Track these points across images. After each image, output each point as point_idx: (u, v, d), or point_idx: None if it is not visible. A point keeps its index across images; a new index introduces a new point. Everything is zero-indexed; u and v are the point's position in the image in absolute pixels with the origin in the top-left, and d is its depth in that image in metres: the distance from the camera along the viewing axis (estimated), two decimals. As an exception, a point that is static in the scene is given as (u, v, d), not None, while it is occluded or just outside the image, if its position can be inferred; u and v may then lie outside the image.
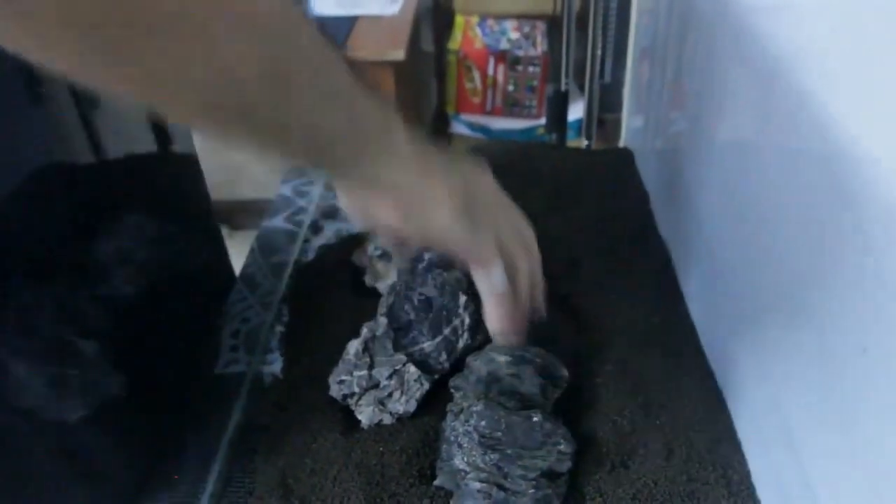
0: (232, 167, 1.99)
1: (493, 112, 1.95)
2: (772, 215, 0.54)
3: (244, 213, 2.04)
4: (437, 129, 2.01)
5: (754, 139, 0.58)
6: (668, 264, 0.79)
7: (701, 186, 0.73)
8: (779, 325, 0.53)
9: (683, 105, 0.81)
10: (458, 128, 1.99)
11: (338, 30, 1.57)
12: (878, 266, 0.38)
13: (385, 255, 0.76)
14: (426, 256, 0.72)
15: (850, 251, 0.41)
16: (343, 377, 0.63)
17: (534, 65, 1.87)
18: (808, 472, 0.47)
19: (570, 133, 1.55)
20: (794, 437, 0.49)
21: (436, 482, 0.55)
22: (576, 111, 1.56)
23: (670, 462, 0.55)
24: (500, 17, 1.98)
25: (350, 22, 1.62)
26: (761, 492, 0.53)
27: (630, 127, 1.12)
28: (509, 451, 0.52)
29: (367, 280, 0.77)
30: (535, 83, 1.89)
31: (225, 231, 2.05)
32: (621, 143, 1.15)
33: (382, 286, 0.74)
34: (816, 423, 0.46)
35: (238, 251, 2.00)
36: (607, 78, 1.14)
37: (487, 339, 0.65)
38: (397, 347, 0.63)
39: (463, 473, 0.52)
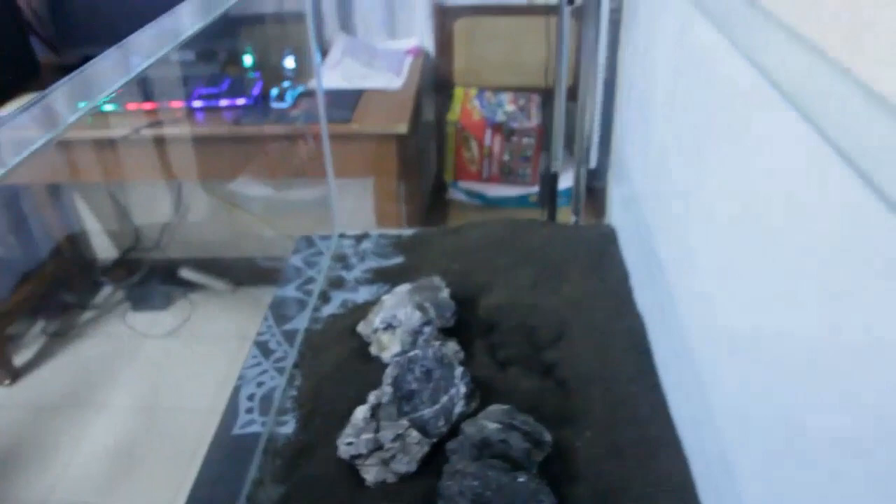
0: (236, 227, 2.08)
1: (489, 180, 2.05)
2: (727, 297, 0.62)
3: (247, 271, 2.12)
4: (437, 195, 2.10)
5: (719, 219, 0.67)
6: (644, 338, 0.87)
7: (671, 266, 0.82)
8: (734, 392, 0.61)
9: (662, 190, 0.89)
10: (456, 194, 2.09)
11: (344, 103, 1.67)
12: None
13: (389, 328, 0.84)
14: (426, 330, 0.81)
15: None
16: (351, 439, 0.70)
17: (528, 136, 1.98)
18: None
19: (563, 200, 1.65)
20: (737, 491, 0.57)
21: (433, 536, 0.62)
22: (567, 180, 1.66)
23: (640, 521, 0.63)
24: (497, 90, 2.10)
25: (356, 95, 1.73)
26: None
27: (614, 204, 1.21)
28: (498, 509, 0.60)
29: (373, 350, 0.85)
30: (530, 153, 2.00)
31: (229, 288, 2.14)
32: (607, 219, 1.24)
33: (386, 356, 0.82)
34: (755, 475, 0.54)
35: (240, 306, 2.09)
36: (593, 164, 1.24)
37: (481, 405, 0.73)
38: (401, 413, 0.70)
39: (457, 528, 0.60)
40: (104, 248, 2.16)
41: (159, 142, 1.66)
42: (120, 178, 1.89)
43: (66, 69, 0.55)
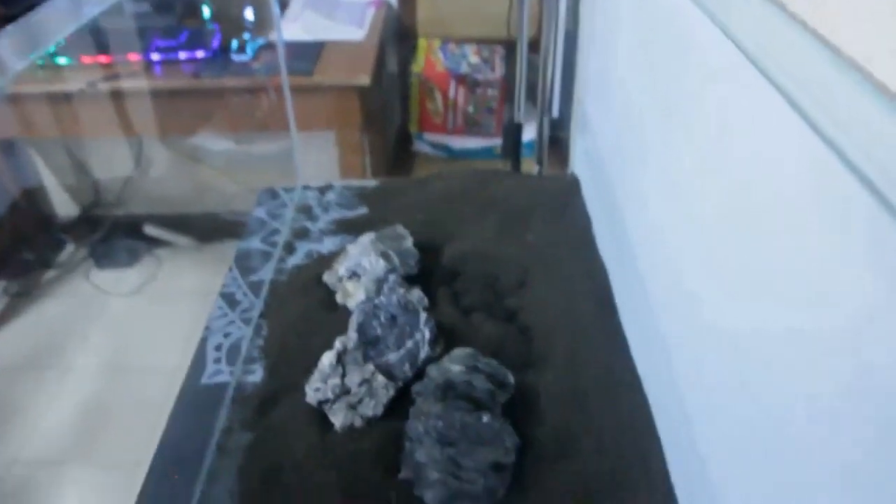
0: (200, 182, 2.05)
1: (454, 132, 2.05)
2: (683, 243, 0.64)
3: (212, 226, 2.10)
4: (402, 147, 2.10)
5: (679, 174, 0.68)
6: (605, 284, 0.89)
7: (633, 214, 0.83)
8: (687, 333, 0.63)
9: (623, 140, 0.91)
10: (421, 146, 2.08)
11: (305, 55, 1.65)
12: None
13: (353, 277, 0.84)
14: (391, 278, 0.81)
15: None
16: (318, 385, 0.71)
17: (492, 88, 1.97)
18: (707, 462, 0.57)
19: (526, 152, 1.65)
20: (693, 427, 0.59)
21: (401, 475, 0.64)
22: (531, 132, 1.66)
23: (600, 456, 0.65)
24: (461, 42, 2.08)
25: (317, 48, 1.70)
26: (675, 478, 0.63)
27: (577, 154, 1.22)
28: (463, 447, 0.62)
29: (338, 298, 0.85)
30: (494, 105, 2.00)
31: (194, 244, 2.12)
32: (570, 169, 1.25)
33: (352, 303, 0.83)
34: (711, 424, 0.56)
35: (206, 263, 2.07)
36: (555, 114, 1.24)
37: (445, 350, 0.74)
38: (366, 359, 0.71)
39: (424, 466, 0.61)
40: (64, 206, 2.12)
41: (117, 96, 1.62)
42: (78, 133, 1.85)
43: (12, 19, 0.53)
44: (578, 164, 1.20)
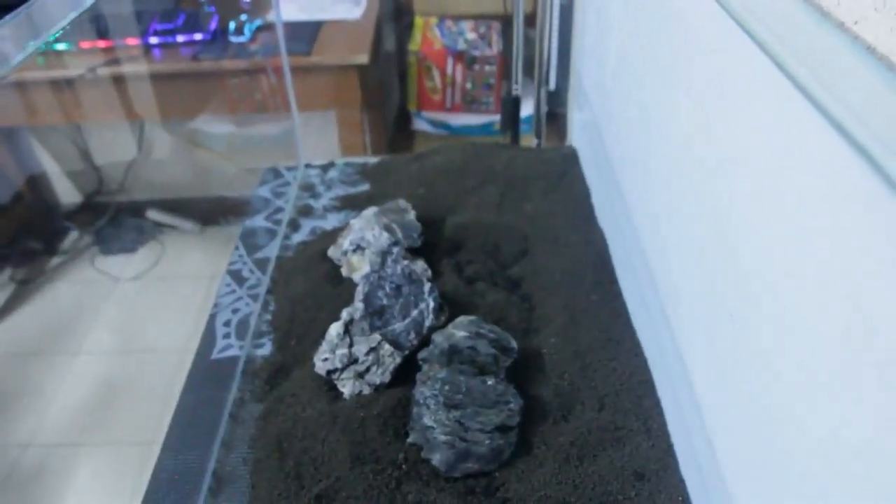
0: (201, 165, 2.06)
1: (452, 109, 2.05)
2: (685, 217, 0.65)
3: (214, 209, 2.12)
4: (401, 126, 2.10)
5: (676, 148, 0.69)
6: (605, 251, 0.90)
7: (630, 183, 0.84)
8: (685, 302, 0.64)
9: (620, 111, 0.92)
10: (420, 124, 2.09)
11: (303, 35, 1.65)
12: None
13: (358, 250, 0.86)
14: (394, 251, 0.83)
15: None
16: (326, 355, 0.73)
17: (490, 64, 1.98)
18: (705, 413, 0.59)
19: (525, 127, 1.66)
20: (695, 388, 0.61)
21: (409, 439, 0.66)
22: (529, 107, 1.67)
23: (602, 415, 0.67)
24: (458, 18, 2.09)
25: (314, 27, 1.71)
26: (674, 436, 0.65)
27: (575, 126, 1.23)
28: (468, 410, 0.64)
29: (343, 272, 0.87)
30: (492, 81, 2.00)
31: (197, 227, 2.13)
32: (568, 142, 1.26)
33: (357, 276, 0.85)
34: (708, 377, 0.58)
35: (210, 246, 2.09)
36: (552, 86, 1.25)
37: (449, 319, 0.76)
38: (373, 328, 0.73)
39: (431, 430, 0.63)
40: (67, 193, 2.14)
41: (117, 80, 1.63)
42: (78, 119, 1.86)
43: (9, 8, 0.54)
44: (576, 136, 1.21)
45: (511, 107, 1.31)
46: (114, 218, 2.11)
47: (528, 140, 1.48)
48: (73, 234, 2.13)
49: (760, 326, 0.48)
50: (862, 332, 0.35)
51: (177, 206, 2.15)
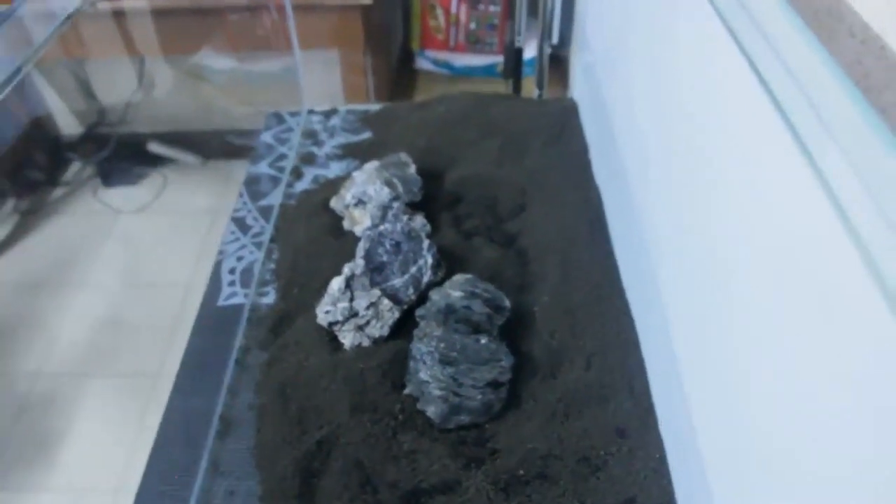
0: (203, 101, 2.06)
1: (455, 49, 2.04)
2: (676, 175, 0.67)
3: (216, 143, 2.12)
4: (404, 65, 2.10)
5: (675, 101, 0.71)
6: (599, 208, 0.93)
7: (626, 140, 0.86)
8: (668, 261, 0.67)
9: (618, 64, 0.92)
10: (424, 64, 2.08)
11: (306, -28, 1.64)
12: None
13: (360, 204, 0.88)
14: (395, 205, 0.85)
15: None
16: (328, 308, 0.76)
17: (494, 3, 1.96)
18: (682, 373, 0.62)
19: (528, 69, 1.66)
20: (673, 349, 0.64)
21: (405, 391, 0.70)
22: (532, 50, 1.66)
23: (588, 373, 0.71)
24: (463, -45, 2.06)
25: (318, -37, 1.69)
26: (655, 396, 0.69)
27: (576, 78, 1.23)
28: (462, 367, 0.67)
29: (345, 225, 0.90)
30: (496, 21, 1.98)
31: (198, 161, 2.15)
32: (570, 93, 1.27)
33: (358, 230, 0.87)
34: (686, 341, 0.61)
35: (211, 180, 2.10)
36: (555, 40, 1.25)
37: (447, 274, 0.79)
38: (373, 284, 0.76)
39: (426, 384, 0.67)
40: (69, 126, 2.14)
41: (118, 15, 1.62)
42: (79, 55, 1.85)
43: None
44: (578, 87, 1.22)
45: (514, 56, 1.31)
46: (116, 150, 2.12)
47: (531, 84, 1.48)
48: (76, 166, 2.14)
49: (733, 290, 0.51)
50: (839, 285, 0.37)
51: (178, 140, 2.16)
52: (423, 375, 0.67)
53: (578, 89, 1.20)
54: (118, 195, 2.06)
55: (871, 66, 0.36)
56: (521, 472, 0.64)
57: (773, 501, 0.45)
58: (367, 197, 0.88)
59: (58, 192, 2.07)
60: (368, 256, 0.78)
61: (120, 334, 1.62)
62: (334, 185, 0.98)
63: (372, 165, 0.92)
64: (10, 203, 2.01)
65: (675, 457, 0.64)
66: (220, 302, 0.85)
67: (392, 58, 2.06)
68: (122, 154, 2.12)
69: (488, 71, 2.06)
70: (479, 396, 0.66)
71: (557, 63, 1.49)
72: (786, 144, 0.42)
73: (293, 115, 1.17)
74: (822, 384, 0.39)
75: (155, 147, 2.15)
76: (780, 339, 0.44)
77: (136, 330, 1.63)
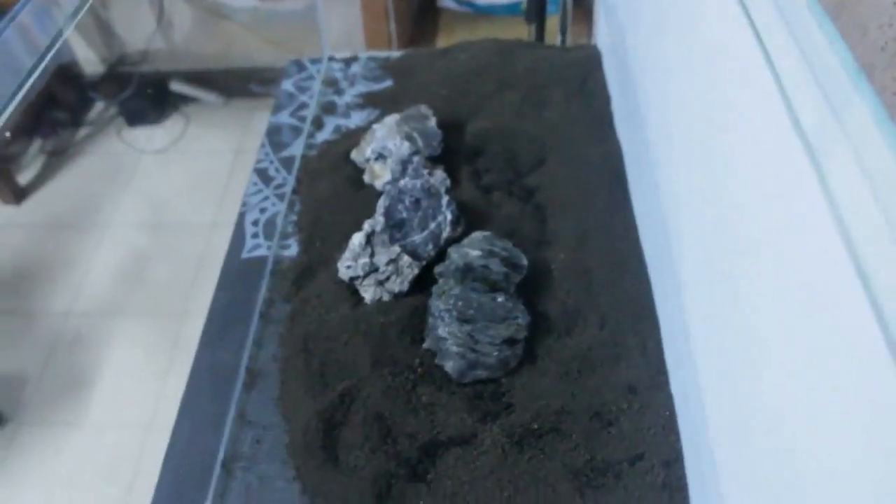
0: (223, 38, 2.05)
1: (478, -14, 2.01)
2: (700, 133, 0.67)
3: (237, 80, 2.12)
4: (427, 3, 2.06)
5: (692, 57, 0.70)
6: (620, 164, 0.93)
7: (647, 93, 0.85)
8: (690, 222, 0.68)
9: (640, 16, 0.91)
10: (446, 2, 2.05)
11: None
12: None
13: (380, 158, 0.89)
14: (415, 160, 0.86)
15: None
16: (349, 263, 0.78)
17: (519, -60, 1.91)
18: (692, 333, 0.64)
19: (552, 8, 1.63)
20: (685, 311, 0.65)
21: (424, 345, 0.72)
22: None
23: (603, 332, 0.72)
24: None
25: None
26: (667, 354, 0.70)
27: (600, 25, 1.21)
28: (479, 324, 0.69)
29: (366, 179, 0.91)
30: (520, -42, 1.94)
31: (220, 100, 2.15)
32: (594, 40, 1.25)
33: (378, 184, 0.88)
34: (699, 304, 0.62)
35: (233, 120, 2.10)
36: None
37: (466, 230, 0.80)
38: (393, 240, 0.78)
39: (444, 340, 0.69)
40: (90, 64, 2.15)
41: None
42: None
43: None
44: (601, 33, 1.20)
45: (537, 2, 1.29)
46: (138, 89, 2.12)
47: (555, 25, 1.45)
48: (99, 105, 2.15)
49: (748, 259, 0.51)
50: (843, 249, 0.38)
51: (200, 79, 2.16)
52: (442, 332, 0.69)
53: (602, 37, 1.18)
54: (141, 135, 2.07)
55: None
56: (535, 426, 0.66)
57: (766, 457, 0.47)
58: (387, 151, 0.88)
59: (82, 132, 2.09)
60: (388, 213, 0.79)
61: (147, 275, 1.66)
62: (355, 136, 0.99)
63: (392, 119, 0.93)
64: (37, 144, 2.04)
65: (683, 415, 0.66)
66: (245, 254, 0.88)
67: (414, -4, 2.03)
68: (144, 93, 2.13)
69: (512, 9, 2.02)
70: (496, 353, 0.68)
71: (582, 3, 1.46)
72: (816, 102, 0.42)
73: (314, 62, 1.17)
74: (829, 347, 0.40)
75: (178, 86, 2.15)
76: (792, 306, 0.45)
77: (162, 270, 1.67)
